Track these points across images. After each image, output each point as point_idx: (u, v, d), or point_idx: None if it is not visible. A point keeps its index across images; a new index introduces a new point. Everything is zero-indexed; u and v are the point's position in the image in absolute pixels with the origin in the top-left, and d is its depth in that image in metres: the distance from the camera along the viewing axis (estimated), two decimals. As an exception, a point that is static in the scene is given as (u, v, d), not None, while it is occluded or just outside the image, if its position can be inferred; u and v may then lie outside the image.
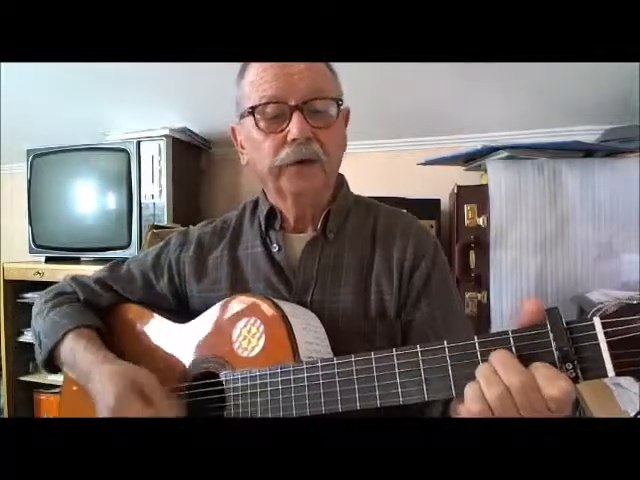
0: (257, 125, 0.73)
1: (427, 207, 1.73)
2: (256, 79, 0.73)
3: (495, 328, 1.46)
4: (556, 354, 0.47)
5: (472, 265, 1.52)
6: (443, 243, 1.71)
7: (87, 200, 2.09)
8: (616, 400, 0.94)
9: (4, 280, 2.13)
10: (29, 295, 2.14)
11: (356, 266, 0.78)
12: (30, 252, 2.18)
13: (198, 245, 0.85)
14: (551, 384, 0.46)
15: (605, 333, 0.45)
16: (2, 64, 1.78)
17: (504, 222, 1.46)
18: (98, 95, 2.06)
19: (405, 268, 0.77)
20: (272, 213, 0.81)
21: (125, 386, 0.68)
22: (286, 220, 0.81)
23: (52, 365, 0.82)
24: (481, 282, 1.51)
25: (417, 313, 0.76)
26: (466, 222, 1.54)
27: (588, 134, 1.65)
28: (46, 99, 2.13)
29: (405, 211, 0.89)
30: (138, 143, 2.01)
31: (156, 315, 0.83)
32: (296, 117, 0.70)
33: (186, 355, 0.76)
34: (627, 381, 0.98)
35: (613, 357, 0.45)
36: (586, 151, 1.45)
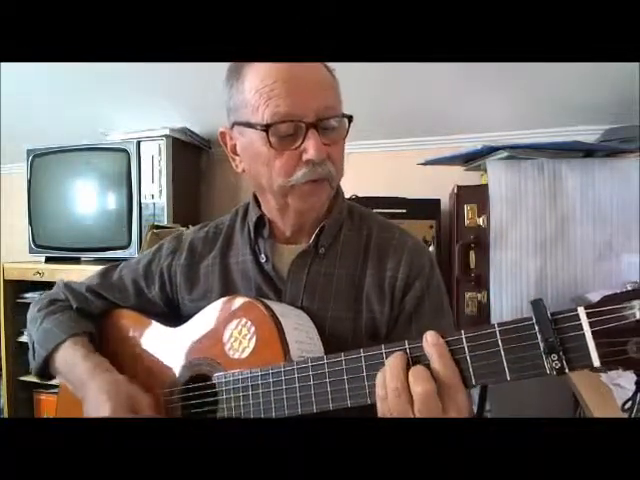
0: (269, 141, 0.68)
1: (427, 207, 1.73)
2: (264, 90, 0.67)
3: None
4: (542, 345, 0.47)
5: (472, 265, 1.52)
6: (443, 243, 1.74)
7: (87, 200, 2.09)
8: (616, 400, 0.94)
9: (4, 280, 2.13)
10: (29, 295, 2.14)
11: (346, 283, 0.76)
12: (30, 252, 2.18)
13: (190, 252, 0.84)
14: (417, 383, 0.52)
15: (590, 323, 0.45)
16: (2, 64, 1.78)
17: (504, 222, 1.46)
18: (98, 95, 2.06)
19: (397, 288, 0.75)
20: (261, 222, 0.79)
21: (118, 400, 0.69)
22: (277, 229, 0.79)
23: (46, 373, 0.83)
24: (481, 282, 1.51)
25: (408, 336, 0.74)
26: (466, 222, 1.54)
27: (588, 134, 1.65)
28: (46, 99, 2.13)
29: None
30: (138, 143, 2.01)
31: (148, 319, 0.83)
32: (312, 137, 0.67)
33: (179, 358, 0.76)
34: (627, 381, 0.98)
35: (598, 347, 0.45)
36: (586, 151, 1.46)
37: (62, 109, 2.18)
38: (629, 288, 0.45)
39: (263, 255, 0.78)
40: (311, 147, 0.67)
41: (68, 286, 0.88)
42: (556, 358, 0.46)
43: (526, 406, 1.43)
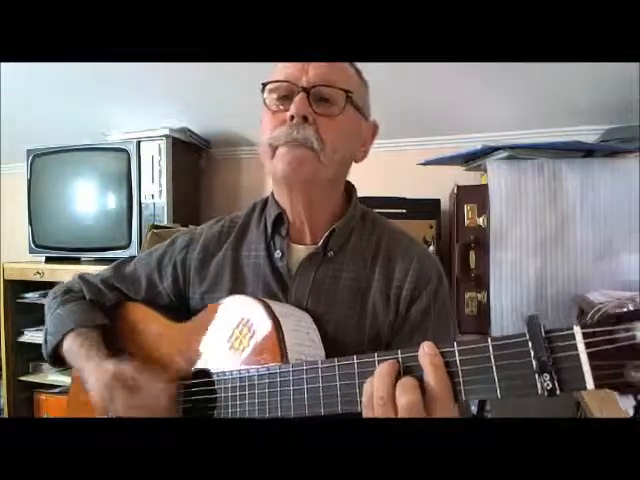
0: (266, 104, 0.74)
1: (427, 207, 1.73)
2: (279, 65, 0.75)
3: (495, 328, 1.46)
4: (534, 364, 0.45)
5: (472, 265, 1.52)
6: (443, 243, 1.74)
7: (87, 200, 2.09)
8: (616, 400, 0.94)
9: (4, 280, 2.13)
10: (29, 295, 2.14)
11: (353, 287, 0.76)
12: (30, 252, 2.18)
13: (204, 247, 0.84)
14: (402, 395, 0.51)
15: (585, 343, 0.43)
16: (2, 64, 1.78)
17: (504, 222, 1.46)
18: (98, 95, 2.06)
19: (403, 297, 0.75)
20: (280, 219, 0.79)
21: (107, 380, 0.72)
22: (292, 227, 0.79)
23: (57, 359, 0.86)
24: (481, 282, 1.51)
25: (409, 345, 0.72)
26: (466, 222, 1.54)
27: (588, 134, 1.65)
28: (46, 99, 2.13)
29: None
30: (138, 143, 2.01)
31: (156, 313, 0.84)
32: (299, 97, 0.71)
33: (182, 354, 0.76)
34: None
35: (593, 369, 0.42)
36: (586, 151, 1.46)
37: (62, 109, 2.18)
38: (631, 308, 0.42)
39: (279, 251, 0.79)
40: (293, 104, 0.71)
41: (83, 278, 0.91)
42: (548, 378, 0.44)
43: (526, 406, 1.43)
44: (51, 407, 2.16)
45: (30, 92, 2.08)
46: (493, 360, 0.48)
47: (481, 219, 1.52)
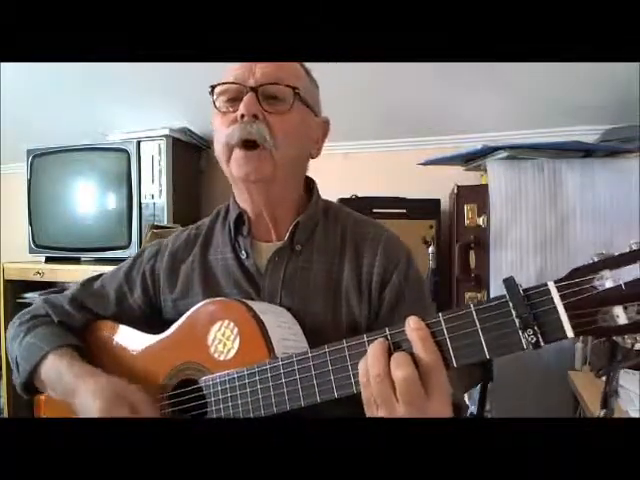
0: (216, 106, 0.76)
1: (427, 207, 1.73)
2: (228, 67, 0.76)
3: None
4: (517, 322, 0.48)
5: (472, 265, 1.52)
6: (443, 243, 1.74)
7: (87, 200, 2.10)
8: (616, 400, 0.94)
9: (4, 280, 2.13)
10: (29, 295, 2.14)
11: (324, 278, 0.77)
12: (30, 252, 2.18)
13: (172, 255, 0.85)
14: (397, 368, 0.52)
15: (560, 296, 0.46)
16: (2, 64, 1.78)
17: (504, 222, 1.46)
18: (98, 95, 2.06)
19: (374, 283, 0.76)
20: (240, 219, 0.80)
21: (110, 398, 0.68)
22: (255, 227, 0.80)
23: (31, 388, 0.82)
24: (481, 282, 1.51)
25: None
26: (466, 222, 1.54)
27: (588, 134, 1.65)
28: (46, 99, 2.13)
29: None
30: (138, 143, 2.01)
31: (130, 329, 0.82)
32: (248, 96, 0.72)
33: (164, 365, 0.75)
34: (627, 381, 0.98)
35: (571, 318, 0.46)
36: (586, 151, 1.46)
37: (62, 109, 2.18)
38: (595, 259, 0.46)
39: (244, 252, 0.79)
40: (242, 104, 0.72)
41: (48, 301, 0.87)
42: (531, 333, 0.47)
43: (526, 406, 1.43)
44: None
45: (30, 92, 2.08)
46: (478, 324, 0.51)
47: (481, 219, 1.52)
